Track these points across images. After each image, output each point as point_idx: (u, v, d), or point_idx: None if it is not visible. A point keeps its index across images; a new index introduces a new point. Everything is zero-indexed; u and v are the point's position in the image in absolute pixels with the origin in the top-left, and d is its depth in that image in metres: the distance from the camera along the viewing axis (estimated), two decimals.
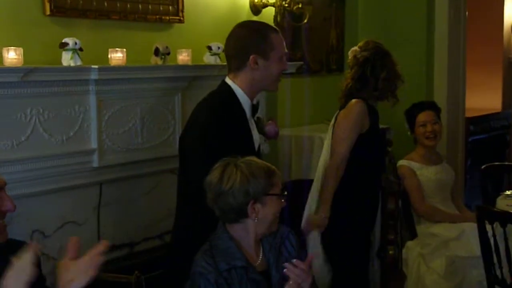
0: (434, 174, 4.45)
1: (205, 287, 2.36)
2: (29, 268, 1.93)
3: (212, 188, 2.46)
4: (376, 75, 3.63)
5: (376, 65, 3.64)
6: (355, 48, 3.74)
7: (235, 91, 2.91)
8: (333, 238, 3.60)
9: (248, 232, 2.49)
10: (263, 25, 3.05)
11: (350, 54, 3.75)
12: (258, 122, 3.15)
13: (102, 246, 2.04)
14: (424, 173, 4.43)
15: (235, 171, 2.43)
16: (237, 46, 2.93)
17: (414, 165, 4.45)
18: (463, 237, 4.03)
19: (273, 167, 2.51)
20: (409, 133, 4.61)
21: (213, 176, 2.46)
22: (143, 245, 3.83)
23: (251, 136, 2.98)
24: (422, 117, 4.51)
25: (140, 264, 3.52)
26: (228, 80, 2.95)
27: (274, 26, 3.14)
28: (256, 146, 3.02)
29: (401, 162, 4.50)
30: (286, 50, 3.01)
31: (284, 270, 2.40)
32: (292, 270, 2.39)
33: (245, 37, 2.92)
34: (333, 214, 3.55)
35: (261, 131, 3.22)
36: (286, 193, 2.52)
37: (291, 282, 2.39)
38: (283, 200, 2.52)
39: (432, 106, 4.64)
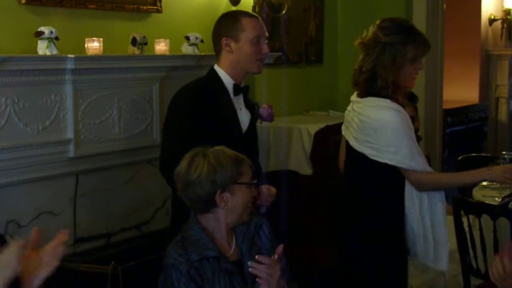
0: None
1: (177, 278, 2.36)
2: (15, 264, 1.88)
3: (181, 178, 2.47)
4: None
5: None
6: None
7: (219, 73, 3.07)
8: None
9: (219, 222, 2.49)
10: (238, 11, 3.24)
11: None
12: (255, 106, 3.27)
13: (62, 236, 2.02)
14: None
15: (202, 160, 2.44)
16: (213, 32, 3.12)
17: None
18: None
19: (242, 155, 2.51)
20: None
21: (182, 166, 2.47)
22: (120, 236, 3.81)
23: (235, 115, 3.07)
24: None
25: (117, 254, 3.52)
26: (215, 66, 3.12)
27: (252, 13, 3.23)
28: (244, 127, 3.09)
29: None
30: (263, 34, 3.10)
31: (250, 269, 2.41)
32: (258, 268, 2.40)
33: (218, 23, 3.12)
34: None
35: (256, 114, 3.29)
36: (256, 181, 2.53)
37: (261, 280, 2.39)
38: (253, 189, 2.52)
39: (411, 98, 4.59)
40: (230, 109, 3.05)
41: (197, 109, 2.94)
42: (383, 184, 3.06)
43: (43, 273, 1.96)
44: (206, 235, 2.46)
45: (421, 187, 3.04)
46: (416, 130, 3.12)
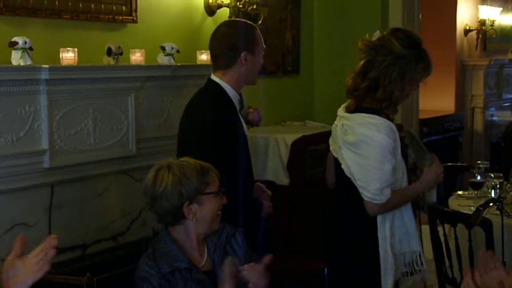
0: None
1: None
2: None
3: (147, 192, 2.46)
4: None
5: None
6: None
7: (225, 88, 3.01)
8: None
9: (189, 233, 2.48)
10: (247, 23, 3.14)
11: None
12: (242, 111, 3.25)
13: (52, 240, 2.00)
14: None
15: (167, 173, 2.43)
16: (226, 44, 3.03)
17: None
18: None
19: (207, 164, 2.50)
20: None
21: (147, 180, 2.47)
22: (95, 247, 3.78)
23: (243, 128, 3.08)
24: None
25: (93, 266, 3.49)
26: (215, 78, 3.05)
27: (253, 23, 3.21)
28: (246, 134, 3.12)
29: None
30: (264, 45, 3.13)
31: (244, 272, 2.39)
32: (250, 272, 2.39)
33: (234, 35, 3.03)
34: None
35: (245, 119, 3.32)
36: (224, 190, 2.52)
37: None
38: (221, 197, 2.52)
39: None
40: (239, 122, 3.04)
41: (226, 128, 2.92)
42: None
43: (31, 278, 1.94)
44: (177, 247, 2.46)
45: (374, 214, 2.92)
46: (403, 138, 3.01)
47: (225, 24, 3.19)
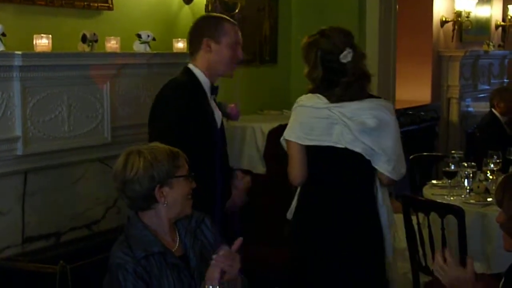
0: None
1: (124, 278, 2.35)
2: None
3: (118, 177, 2.46)
4: None
5: None
6: None
7: (195, 72, 3.13)
8: None
9: (160, 218, 2.49)
10: (220, 16, 3.31)
11: None
12: (220, 105, 3.30)
13: None
14: None
15: (138, 158, 2.44)
16: (193, 31, 3.21)
17: None
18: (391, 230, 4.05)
19: (177, 149, 2.52)
20: None
21: (117, 165, 2.48)
22: (69, 235, 3.77)
23: (213, 114, 3.16)
24: None
25: (67, 254, 3.46)
26: (189, 65, 3.18)
27: (232, 20, 3.31)
28: (219, 123, 3.21)
29: None
30: (240, 41, 3.22)
31: (212, 261, 2.39)
32: (220, 260, 2.38)
33: (200, 23, 3.23)
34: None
35: (223, 113, 3.32)
36: (193, 174, 2.53)
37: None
38: (191, 181, 2.53)
39: None
40: (209, 109, 3.14)
41: (186, 110, 3.00)
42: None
43: None
44: (150, 233, 2.46)
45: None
46: None
47: (202, 16, 3.46)
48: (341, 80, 3.06)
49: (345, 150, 3.06)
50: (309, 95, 3.14)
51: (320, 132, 3.08)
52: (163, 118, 3.02)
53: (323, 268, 3.14)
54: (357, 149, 3.05)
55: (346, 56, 3.08)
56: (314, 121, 3.08)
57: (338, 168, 3.13)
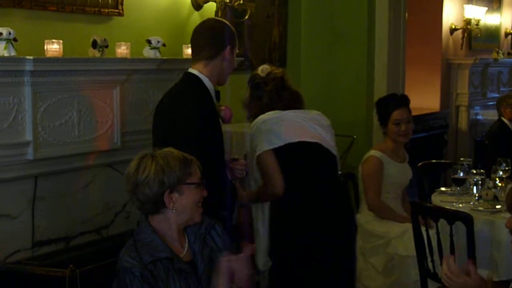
0: (397, 172, 4.38)
1: (131, 282, 2.36)
2: None
3: (130, 179, 2.47)
4: None
5: None
6: None
7: (203, 80, 3.07)
8: None
9: (169, 223, 2.49)
10: (228, 23, 3.23)
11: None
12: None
13: None
14: (389, 168, 4.34)
15: (150, 161, 2.45)
16: (214, 35, 3.10)
17: (385, 158, 4.35)
18: (405, 236, 4.03)
19: (190, 156, 2.52)
20: (378, 122, 4.52)
21: (131, 167, 2.49)
22: (79, 239, 3.79)
23: (219, 120, 3.19)
24: (397, 115, 4.34)
25: (76, 258, 3.48)
26: (194, 71, 3.09)
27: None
28: None
29: (373, 153, 4.37)
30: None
31: (221, 260, 2.39)
32: (228, 266, 2.38)
33: (221, 29, 3.12)
34: None
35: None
36: (205, 182, 2.53)
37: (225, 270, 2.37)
38: (202, 189, 2.52)
39: (406, 102, 4.48)
40: (217, 115, 3.16)
41: (208, 119, 3.01)
42: None
43: None
44: (158, 237, 2.46)
45: None
46: None
47: (212, 19, 3.33)
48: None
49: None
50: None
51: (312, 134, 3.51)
52: (191, 126, 2.95)
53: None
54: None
55: None
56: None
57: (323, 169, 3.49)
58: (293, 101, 3.59)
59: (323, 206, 3.39)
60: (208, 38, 3.10)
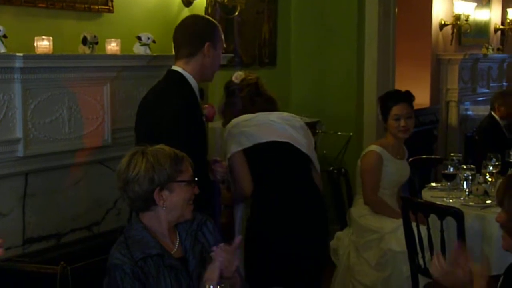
0: (395, 169, 4.38)
1: (122, 279, 2.36)
2: None
3: (120, 176, 2.47)
4: None
5: None
6: None
7: (186, 77, 3.07)
8: None
9: (160, 220, 2.49)
10: (212, 19, 3.28)
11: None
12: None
13: None
14: (388, 164, 4.34)
15: (141, 159, 2.44)
16: (191, 33, 3.13)
17: (385, 154, 4.34)
18: (399, 232, 4.03)
19: (182, 153, 2.51)
20: (381, 118, 4.51)
21: (121, 164, 2.49)
22: (70, 236, 3.78)
23: (202, 118, 3.19)
24: (396, 110, 4.34)
25: (67, 255, 3.47)
26: (177, 68, 3.11)
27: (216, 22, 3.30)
28: None
29: (373, 147, 4.37)
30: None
31: (212, 253, 2.40)
32: (220, 253, 2.39)
33: (200, 26, 3.16)
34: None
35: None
36: (196, 179, 2.53)
37: (216, 264, 2.37)
38: (194, 186, 2.52)
39: (407, 97, 4.48)
40: (200, 111, 3.15)
41: (192, 116, 3.01)
42: None
43: None
44: (149, 234, 2.46)
45: None
46: None
47: (191, 16, 3.37)
48: None
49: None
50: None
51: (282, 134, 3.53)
52: (175, 123, 2.96)
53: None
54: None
55: None
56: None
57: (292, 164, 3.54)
58: (266, 106, 3.62)
59: (293, 203, 3.43)
60: (186, 35, 3.14)
